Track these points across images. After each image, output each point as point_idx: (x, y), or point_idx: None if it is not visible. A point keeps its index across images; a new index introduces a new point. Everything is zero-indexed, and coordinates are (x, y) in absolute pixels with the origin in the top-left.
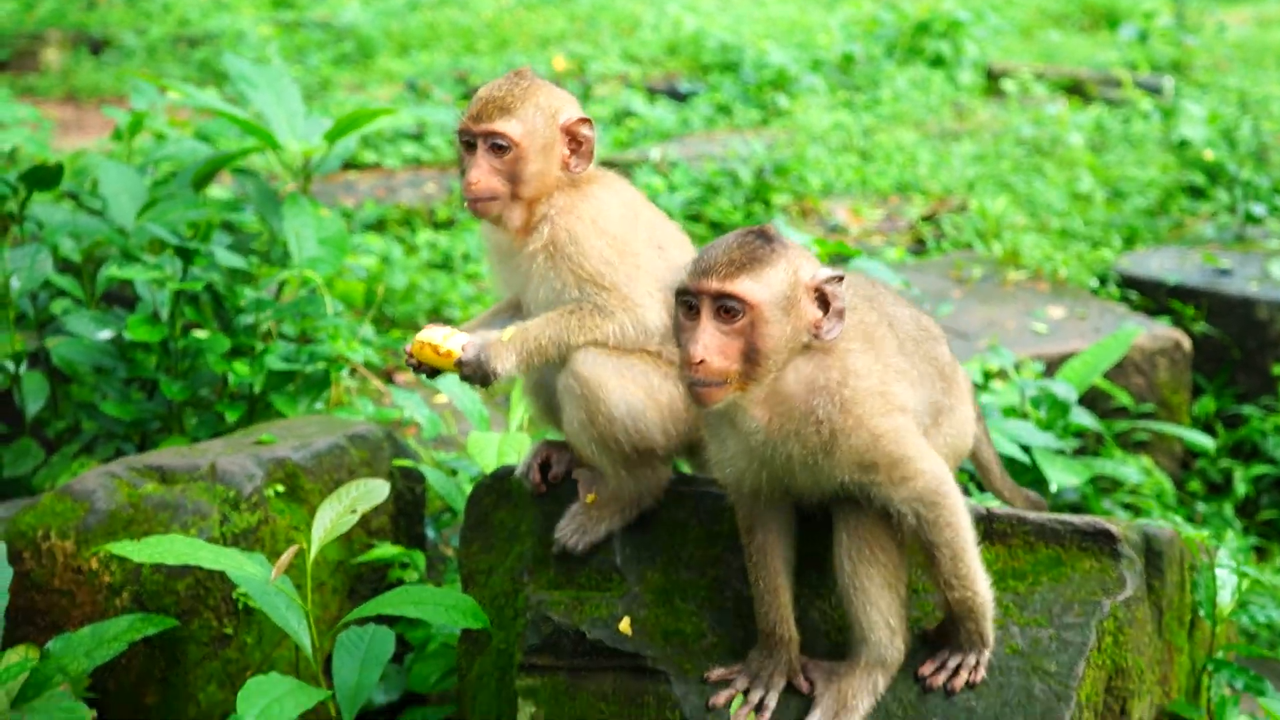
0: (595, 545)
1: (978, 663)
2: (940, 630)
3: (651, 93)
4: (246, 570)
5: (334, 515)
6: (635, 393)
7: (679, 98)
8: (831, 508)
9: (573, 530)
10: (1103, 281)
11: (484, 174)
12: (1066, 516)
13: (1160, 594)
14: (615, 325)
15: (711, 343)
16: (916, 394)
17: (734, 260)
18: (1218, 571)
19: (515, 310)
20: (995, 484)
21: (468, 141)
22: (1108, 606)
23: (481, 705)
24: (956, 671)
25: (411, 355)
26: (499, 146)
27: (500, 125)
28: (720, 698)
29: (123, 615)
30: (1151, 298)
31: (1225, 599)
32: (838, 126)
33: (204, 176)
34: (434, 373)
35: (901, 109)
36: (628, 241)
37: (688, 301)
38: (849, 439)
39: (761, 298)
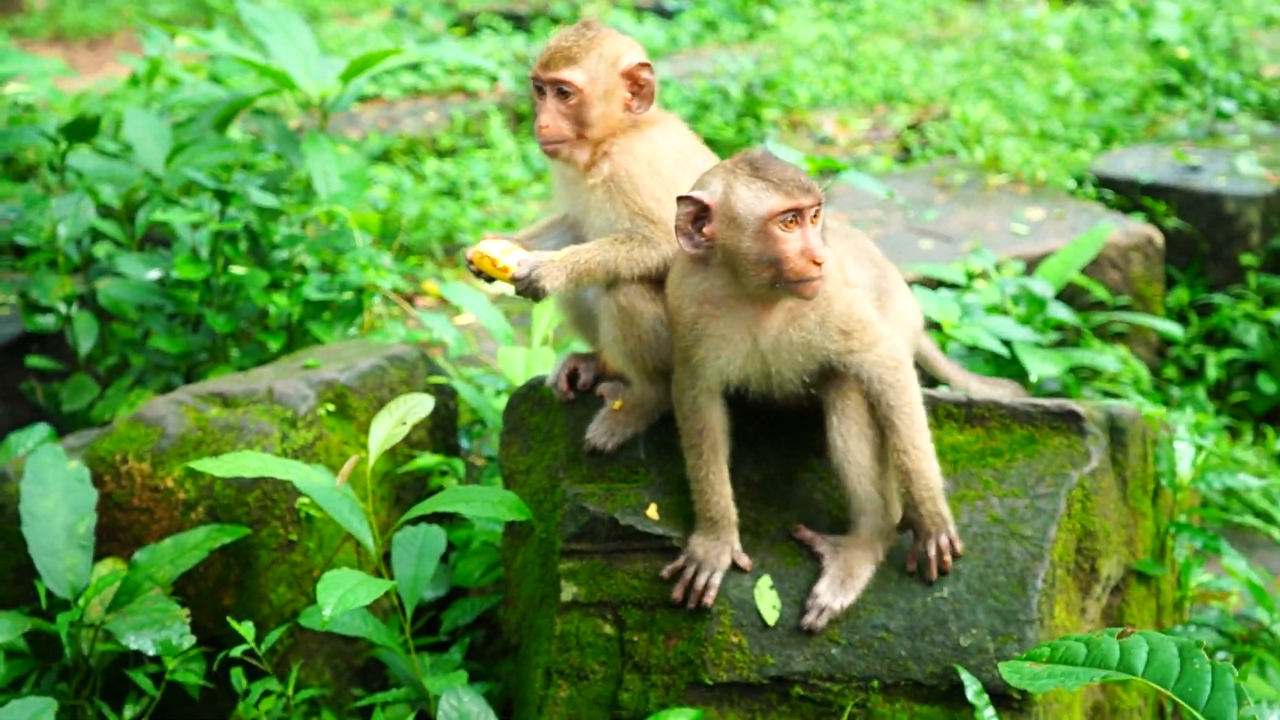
0: (622, 445)
1: (950, 540)
2: (904, 525)
3: (639, 10)
4: (313, 480)
5: (387, 428)
6: (663, 316)
7: (666, 15)
8: (821, 397)
9: (602, 432)
10: (1080, 182)
11: (552, 118)
12: (1038, 400)
13: (1124, 466)
14: (659, 255)
15: (818, 239)
16: (862, 272)
17: (804, 174)
18: (1177, 445)
19: (568, 225)
20: (943, 371)
21: (538, 87)
22: (1076, 478)
23: (526, 590)
24: (938, 557)
25: (472, 262)
26: (565, 93)
27: (565, 74)
28: (666, 572)
29: (199, 527)
30: (1126, 196)
31: (1185, 469)
32: (823, 38)
33: (224, 119)
34: (490, 279)
35: (885, 18)
36: (676, 182)
37: (790, 219)
38: (832, 307)
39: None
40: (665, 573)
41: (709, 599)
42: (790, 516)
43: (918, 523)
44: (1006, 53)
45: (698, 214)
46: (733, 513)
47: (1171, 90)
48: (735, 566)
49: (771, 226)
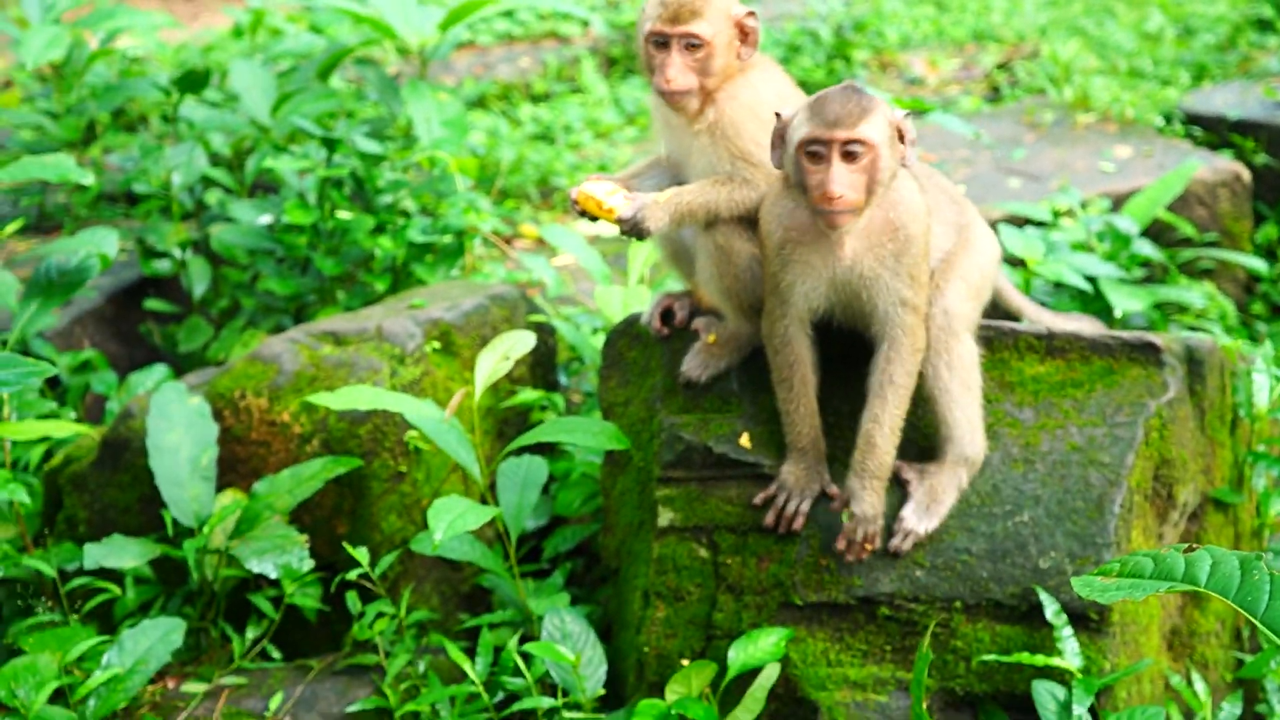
0: (715, 377)
1: (868, 535)
2: (845, 495)
3: None
4: (422, 413)
5: (491, 363)
6: (758, 255)
7: None
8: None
9: (697, 365)
10: (1168, 120)
11: (680, 70)
12: (1117, 332)
13: (1202, 396)
14: (757, 196)
15: (844, 178)
16: (941, 219)
17: (852, 111)
18: (1254, 375)
19: (668, 165)
20: (1016, 304)
21: (661, 42)
22: (1153, 407)
23: (625, 516)
24: (857, 544)
25: (576, 203)
26: (693, 45)
27: (694, 27)
28: (759, 499)
29: (314, 459)
30: (1214, 133)
31: (1262, 400)
32: None
33: (327, 68)
34: (594, 219)
35: None
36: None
37: (815, 151)
38: (913, 248)
39: (880, 138)
40: (758, 500)
41: (798, 524)
42: None
43: (854, 492)
44: None
45: (782, 132)
46: (822, 443)
47: (1265, 26)
48: (824, 495)
49: (801, 154)
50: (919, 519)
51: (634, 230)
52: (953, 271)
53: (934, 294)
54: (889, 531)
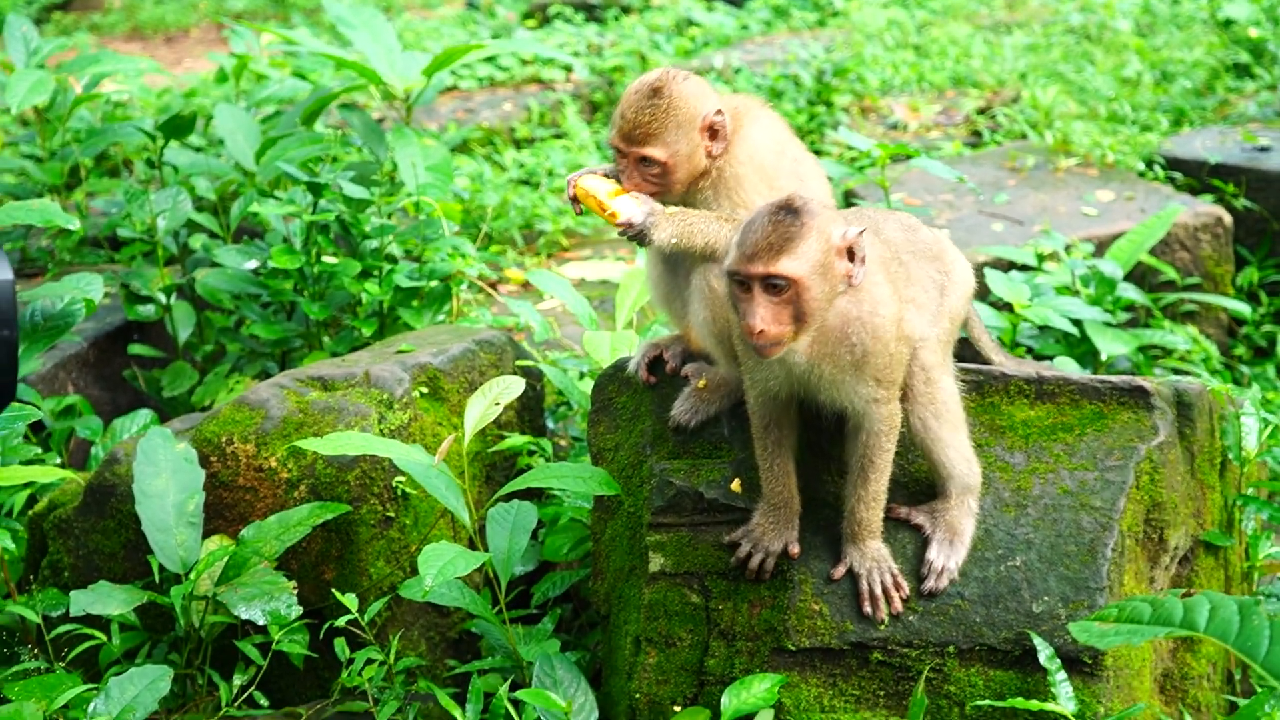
0: (705, 423)
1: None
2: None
3: None
4: (411, 458)
5: (481, 408)
6: None
7: (736, 3)
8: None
9: (687, 410)
10: (1149, 164)
11: (641, 185)
12: (1106, 376)
13: (1191, 440)
14: None
15: (767, 314)
16: (923, 302)
17: (772, 244)
18: (1244, 419)
19: None
20: (987, 352)
21: (621, 153)
22: (1143, 450)
23: (615, 562)
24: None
25: (575, 197)
26: (649, 162)
27: (649, 151)
28: (726, 540)
29: (302, 505)
30: (1195, 177)
31: (1251, 443)
32: (893, 24)
33: (312, 113)
34: (584, 212)
35: (954, 2)
36: (778, 174)
37: (740, 281)
38: (875, 359)
39: (801, 272)
40: (725, 540)
41: (764, 579)
42: None
43: (851, 556)
44: (1076, 36)
45: None
46: (796, 502)
47: (1241, 71)
48: (785, 553)
49: (731, 282)
50: (946, 555)
51: (638, 237)
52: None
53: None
54: (918, 576)
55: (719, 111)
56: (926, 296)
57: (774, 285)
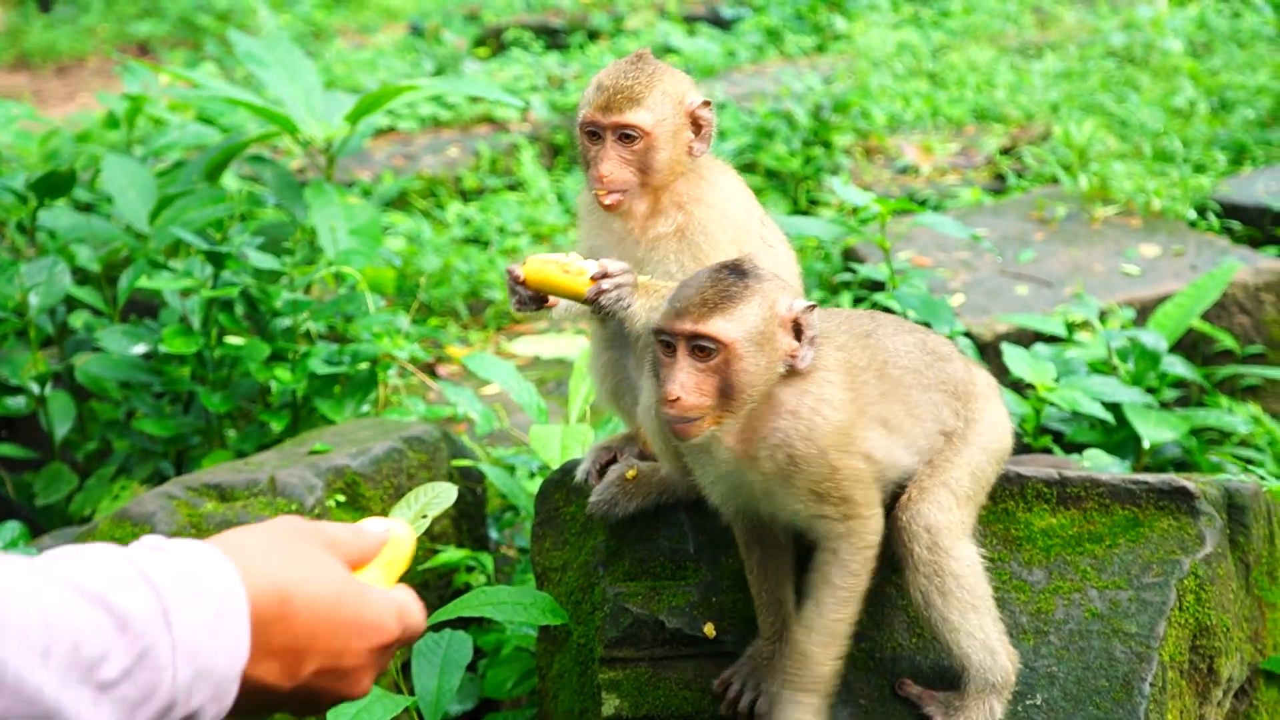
0: (622, 518)
1: None
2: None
3: (690, 21)
4: None
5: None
6: None
7: (722, 25)
8: (895, 548)
9: (604, 501)
10: (1201, 212)
11: (615, 166)
12: (1141, 475)
13: (1246, 549)
14: None
15: (688, 380)
16: (900, 426)
17: (707, 300)
18: None
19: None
20: None
21: (593, 132)
22: (1187, 565)
23: (564, 703)
24: None
25: (524, 281)
26: (629, 136)
27: (631, 116)
28: (717, 684)
29: None
30: (1256, 226)
31: None
32: (903, 48)
33: (217, 166)
34: (540, 303)
35: (975, 20)
36: (748, 233)
37: (665, 340)
38: (808, 467)
39: (734, 336)
40: (716, 685)
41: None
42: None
43: (778, 703)
44: (1118, 59)
45: None
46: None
47: None
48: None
49: (656, 343)
50: None
51: (615, 302)
52: (935, 477)
53: (908, 504)
54: None
55: (707, 104)
56: (913, 425)
57: (702, 348)
